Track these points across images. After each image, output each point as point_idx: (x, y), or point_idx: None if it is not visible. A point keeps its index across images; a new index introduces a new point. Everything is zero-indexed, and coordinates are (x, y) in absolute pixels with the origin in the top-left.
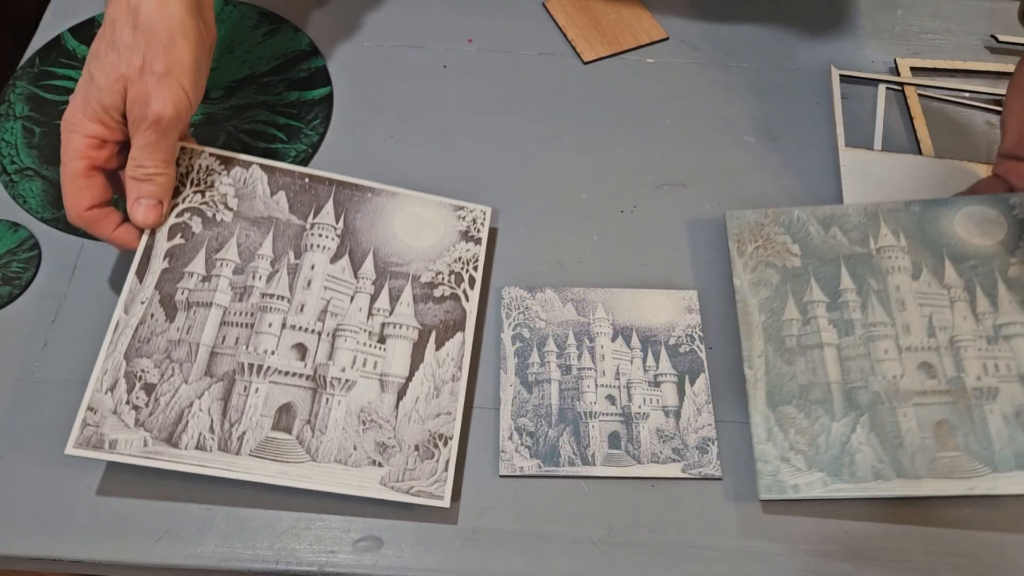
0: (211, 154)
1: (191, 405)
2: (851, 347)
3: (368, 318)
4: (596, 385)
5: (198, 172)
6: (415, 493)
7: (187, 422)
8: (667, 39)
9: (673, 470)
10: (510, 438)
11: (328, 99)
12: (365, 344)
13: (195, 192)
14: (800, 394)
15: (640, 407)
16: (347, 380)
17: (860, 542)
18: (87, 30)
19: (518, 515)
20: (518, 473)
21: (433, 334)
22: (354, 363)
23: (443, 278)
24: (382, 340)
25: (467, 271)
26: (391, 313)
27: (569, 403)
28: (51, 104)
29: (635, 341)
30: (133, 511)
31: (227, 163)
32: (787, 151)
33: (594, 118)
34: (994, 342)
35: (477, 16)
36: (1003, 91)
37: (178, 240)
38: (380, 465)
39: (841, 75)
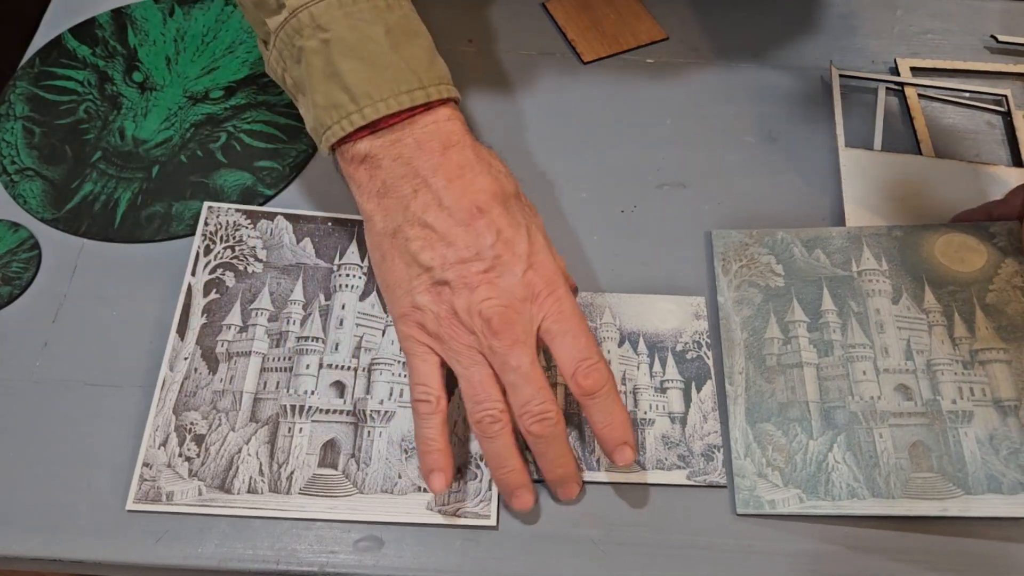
0: (236, 210)
1: (240, 451)
2: (830, 367)
3: (400, 349)
4: None
5: (226, 228)
6: (462, 515)
7: (237, 468)
8: (667, 39)
9: (678, 477)
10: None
11: None
12: (400, 375)
13: (225, 248)
14: (779, 412)
15: (646, 413)
16: (386, 411)
17: (867, 541)
18: (87, 30)
19: (519, 516)
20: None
21: None
22: (391, 395)
23: None
24: None
25: None
26: None
27: (575, 407)
28: (51, 104)
29: (642, 346)
30: (133, 511)
31: (252, 217)
32: (787, 151)
33: (594, 118)
34: (970, 367)
35: (477, 16)
36: (1002, 91)
37: (213, 295)
38: (425, 491)
39: (841, 75)
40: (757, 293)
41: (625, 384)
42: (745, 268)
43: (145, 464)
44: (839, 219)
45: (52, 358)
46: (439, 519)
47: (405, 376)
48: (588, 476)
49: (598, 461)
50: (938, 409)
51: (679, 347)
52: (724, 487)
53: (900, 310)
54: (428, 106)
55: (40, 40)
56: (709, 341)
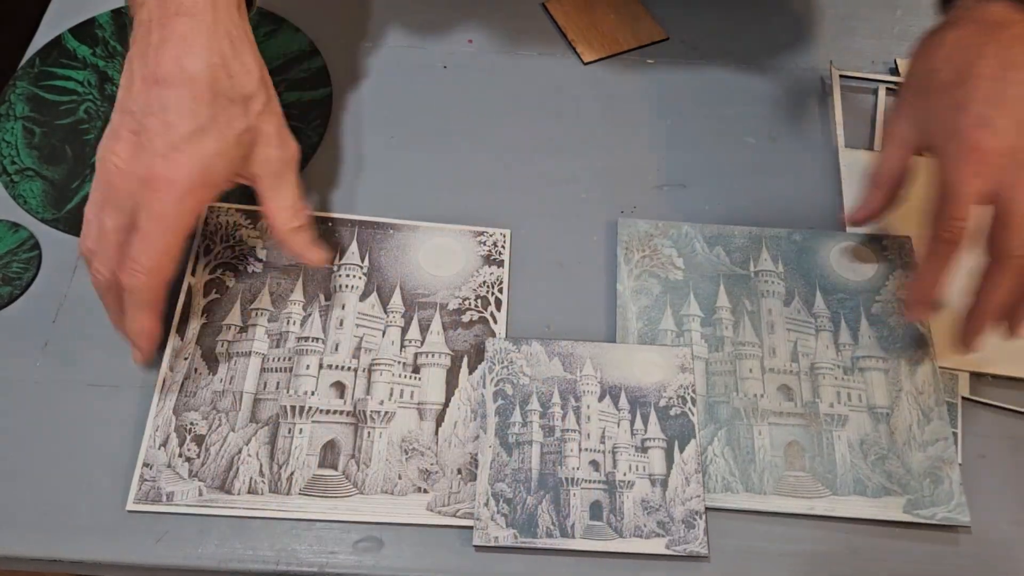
0: (237, 210)
1: (240, 451)
2: (719, 363)
3: (401, 350)
4: (580, 449)
5: (226, 228)
6: (462, 515)
7: (238, 468)
8: (667, 39)
9: (657, 545)
10: (486, 504)
11: (328, 99)
12: (400, 375)
13: (225, 248)
14: None
15: (625, 474)
16: (386, 412)
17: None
18: (87, 30)
19: None
20: (492, 543)
21: (465, 359)
22: (391, 395)
23: (470, 303)
24: (416, 370)
25: (492, 294)
26: (423, 343)
27: (550, 468)
28: (51, 104)
29: (623, 401)
30: (133, 511)
31: (253, 216)
32: (787, 151)
33: (594, 118)
34: (850, 372)
35: (477, 16)
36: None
37: (213, 296)
38: (425, 492)
39: (841, 75)
40: (656, 284)
41: (604, 443)
42: (647, 259)
43: (145, 464)
44: (838, 219)
45: (52, 358)
46: (439, 519)
47: (405, 377)
48: (561, 543)
49: (572, 527)
50: (816, 411)
51: (662, 402)
52: (706, 558)
53: (791, 312)
54: None
55: (40, 40)
56: (694, 396)
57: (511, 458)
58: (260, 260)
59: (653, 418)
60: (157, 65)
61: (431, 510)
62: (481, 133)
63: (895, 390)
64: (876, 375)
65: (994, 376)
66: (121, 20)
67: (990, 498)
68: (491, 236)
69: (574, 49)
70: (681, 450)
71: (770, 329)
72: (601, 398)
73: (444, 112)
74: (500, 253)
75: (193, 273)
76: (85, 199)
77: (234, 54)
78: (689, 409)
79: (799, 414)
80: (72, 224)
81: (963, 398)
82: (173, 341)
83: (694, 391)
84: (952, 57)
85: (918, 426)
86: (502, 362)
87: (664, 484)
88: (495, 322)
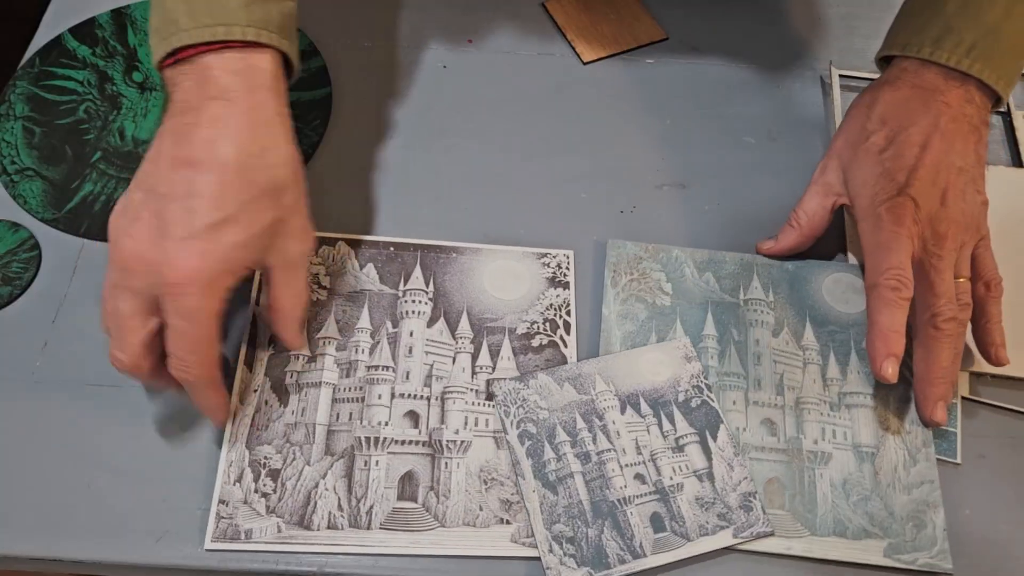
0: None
1: (317, 486)
2: None
3: (472, 377)
4: (621, 466)
5: None
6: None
7: (315, 503)
8: (667, 39)
9: (724, 538)
10: (551, 551)
11: (328, 99)
12: (474, 403)
13: None
14: None
15: (672, 478)
16: (462, 441)
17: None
18: (87, 30)
19: None
20: None
21: None
22: (466, 424)
23: (538, 327)
24: (490, 397)
25: (560, 317)
26: (494, 369)
27: (599, 494)
28: (51, 104)
29: (644, 407)
30: (133, 511)
31: (315, 244)
32: (787, 151)
33: (594, 118)
34: (836, 409)
35: (477, 16)
36: None
37: None
38: (508, 523)
39: (841, 75)
40: (643, 309)
41: (641, 453)
42: (635, 282)
43: (221, 501)
44: (838, 219)
45: (52, 358)
46: (523, 551)
47: (478, 404)
48: (635, 565)
49: (640, 546)
50: (799, 447)
51: (681, 397)
52: (771, 534)
53: (779, 343)
54: (227, 45)
55: (40, 40)
56: (708, 383)
57: (558, 496)
58: (324, 287)
59: (677, 415)
60: (189, 146)
61: (515, 542)
62: (481, 133)
63: (881, 429)
64: (863, 412)
65: (994, 376)
66: (121, 20)
67: (990, 498)
68: (555, 257)
69: (574, 49)
70: (714, 438)
71: (756, 360)
72: (623, 410)
73: (444, 112)
74: (565, 275)
75: (258, 302)
76: (85, 199)
77: (270, 142)
78: (708, 397)
79: (781, 450)
80: (72, 224)
81: (963, 398)
82: (242, 373)
83: (705, 377)
84: (886, 118)
85: (903, 467)
86: (515, 402)
87: (711, 476)
88: (565, 346)
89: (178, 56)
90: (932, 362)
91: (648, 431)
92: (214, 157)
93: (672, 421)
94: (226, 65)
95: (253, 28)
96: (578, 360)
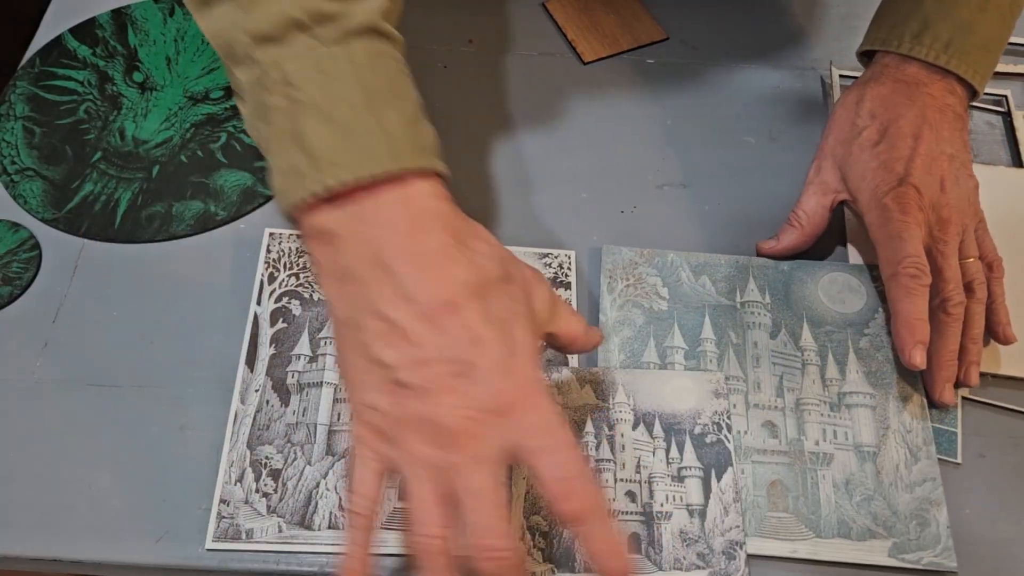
0: (299, 235)
1: (318, 485)
2: None
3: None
4: (615, 479)
5: (288, 256)
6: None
7: (316, 503)
8: (667, 39)
9: None
10: (521, 538)
11: None
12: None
13: (289, 276)
14: None
15: (662, 505)
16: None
17: None
18: (87, 30)
19: None
20: None
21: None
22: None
23: None
24: None
25: None
26: None
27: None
28: (51, 104)
29: (658, 429)
30: (133, 511)
31: None
32: (787, 151)
33: (594, 118)
34: (836, 409)
35: (477, 16)
36: (1002, 91)
37: (280, 325)
38: None
39: (841, 75)
40: (640, 315)
41: (640, 472)
42: (631, 288)
43: (222, 501)
44: (838, 219)
45: (52, 358)
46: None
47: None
48: None
49: None
50: (800, 449)
51: (697, 429)
52: None
53: (777, 345)
54: (401, 178)
55: (40, 40)
56: (729, 423)
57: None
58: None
59: (688, 446)
60: (418, 291)
61: None
62: (481, 133)
63: (882, 428)
64: (863, 412)
65: (994, 376)
66: (121, 20)
67: (990, 498)
68: (556, 258)
69: (574, 49)
70: (718, 479)
71: (755, 363)
72: (635, 426)
73: (444, 112)
74: (567, 275)
75: (259, 302)
76: (85, 199)
77: (473, 241)
78: (725, 436)
79: (783, 452)
80: (72, 224)
81: (963, 398)
82: (243, 372)
83: (729, 417)
84: (874, 113)
85: (905, 466)
86: None
87: (702, 515)
88: None
89: (339, 198)
90: (942, 346)
91: (653, 454)
92: (452, 287)
93: (681, 450)
94: (406, 196)
95: (423, 155)
96: (578, 362)
